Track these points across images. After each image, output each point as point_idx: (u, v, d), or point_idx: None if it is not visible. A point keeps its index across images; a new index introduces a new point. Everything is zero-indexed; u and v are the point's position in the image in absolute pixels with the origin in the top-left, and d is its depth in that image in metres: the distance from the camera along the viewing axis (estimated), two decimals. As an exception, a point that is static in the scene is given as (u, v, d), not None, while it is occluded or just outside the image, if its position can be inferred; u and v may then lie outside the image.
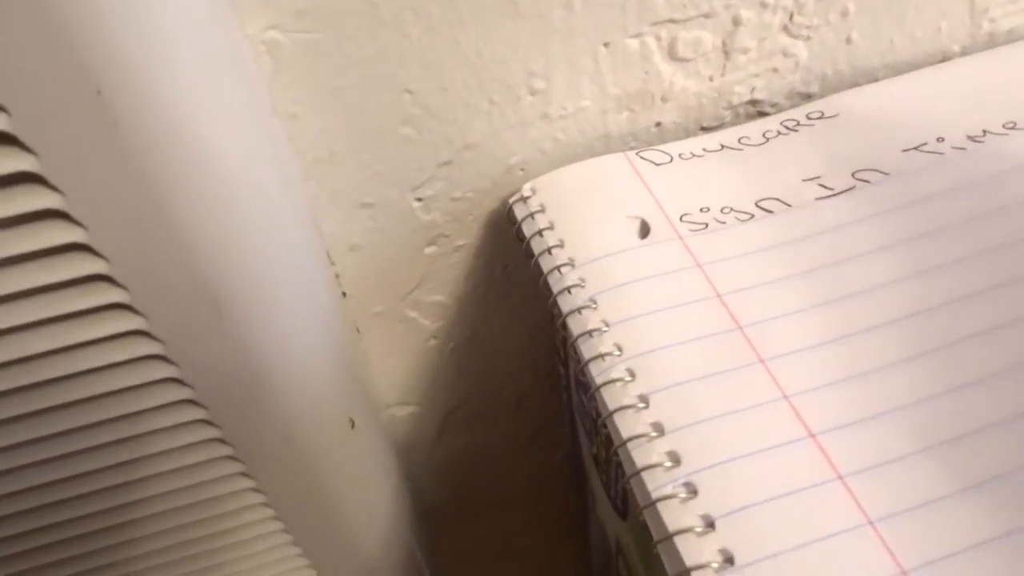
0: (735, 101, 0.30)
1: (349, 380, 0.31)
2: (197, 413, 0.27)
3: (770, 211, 0.27)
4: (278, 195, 0.25)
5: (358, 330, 0.33)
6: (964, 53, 0.31)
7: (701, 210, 0.27)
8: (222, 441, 0.28)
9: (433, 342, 0.35)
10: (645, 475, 0.21)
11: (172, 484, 0.29)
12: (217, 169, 0.22)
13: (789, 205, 0.27)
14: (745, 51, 0.28)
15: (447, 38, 0.25)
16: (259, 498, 0.31)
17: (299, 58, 0.24)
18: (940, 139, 0.28)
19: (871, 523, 0.20)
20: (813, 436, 0.22)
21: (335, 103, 0.26)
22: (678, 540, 0.20)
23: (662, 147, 0.29)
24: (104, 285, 0.22)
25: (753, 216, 0.27)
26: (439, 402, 0.38)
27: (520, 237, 0.28)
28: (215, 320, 0.25)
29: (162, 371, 0.25)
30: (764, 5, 0.27)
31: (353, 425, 0.31)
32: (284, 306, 0.27)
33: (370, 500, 0.35)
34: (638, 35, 0.27)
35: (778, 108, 0.31)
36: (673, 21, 0.27)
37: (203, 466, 0.29)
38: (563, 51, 0.27)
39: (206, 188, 0.22)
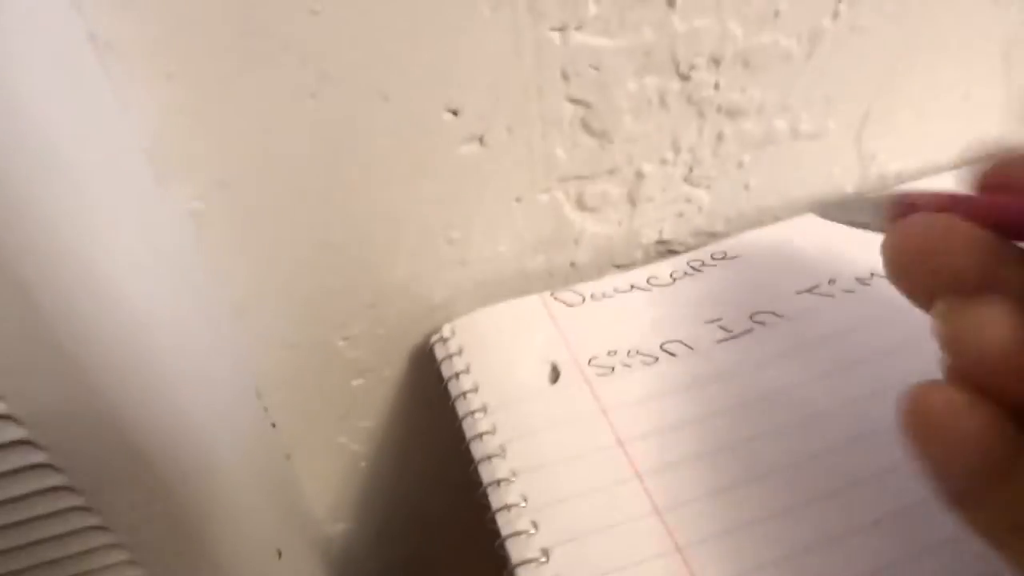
0: (644, 241, 0.32)
1: (277, 510, 0.32)
2: (118, 555, 0.27)
3: (673, 354, 0.29)
4: (200, 338, 0.26)
5: (288, 457, 0.34)
6: (858, 192, 0.34)
7: (608, 353, 0.29)
8: (133, 563, 0.28)
9: (363, 464, 0.36)
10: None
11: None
12: (137, 311, 0.23)
13: (691, 348, 0.29)
14: (650, 199, 0.30)
15: (364, 197, 0.27)
16: (185, 631, 0.31)
17: (223, 221, 0.26)
18: (832, 281, 0.30)
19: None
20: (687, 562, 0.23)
21: (259, 258, 0.27)
22: None
23: (576, 288, 0.31)
24: (28, 448, 0.23)
25: (658, 359, 0.29)
26: (372, 517, 0.39)
27: (440, 379, 0.29)
28: (125, 452, 0.25)
29: (69, 501, 0.26)
30: (664, 161, 0.29)
31: (280, 555, 0.32)
32: (205, 442, 0.27)
33: (301, 622, 0.35)
34: (547, 190, 0.29)
35: (686, 246, 0.33)
36: (579, 177, 0.29)
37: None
38: (478, 206, 0.28)
39: (122, 343, 0.23)
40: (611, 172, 0.29)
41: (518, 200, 0.29)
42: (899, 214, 0.18)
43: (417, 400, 0.34)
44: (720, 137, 0.29)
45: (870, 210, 0.20)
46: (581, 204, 0.30)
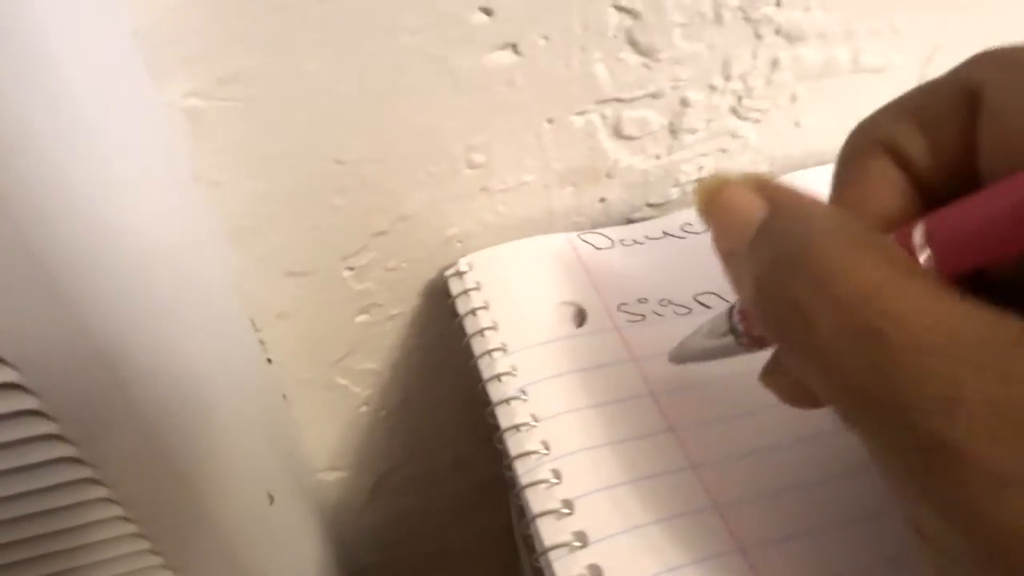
0: (683, 179, 0.29)
1: (269, 452, 0.30)
2: (99, 491, 0.25)
3: (708, 306, 0.26)
4: (191, 261, 0.24)
5: (285, 397, 0.31)
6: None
7: (639, 301, 0.26)
8: (125, 519, 0.26)
9: (364, 409, 0.33)
10: (567, 592, 0.20)
11: (73, 562, 0.27)
12: (119, 232, 0.20)
13: (727, 300, 0.26)
14: (693, 131, 0.28)
15: (382, 108, 0.24)
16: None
17: (223, 124, 0.23)
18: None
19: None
20: (744, 551, 0.21)
21: (261, 171, 0.24)
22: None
23: (604, 231, 0.28)
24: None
25: (691, 311, 0.26)
26: (370, 467, 0.36)
27: (454, 314, 0.27)
28: (120, 392, 0.23)
29: (60, 451, 0.23)
30: (713, 88, 0.27)
31: (272, 500, 0.29)
32: (197, 375, 0.25)
33: (290, 572, 0.33)
34: (583, 112, 0.26)
35: (726, 187, 0.30)
36: (619, 100, 0.26)
37: (106, 544, 0.27)
38: (505, 126, 0.26)
39: (108, 257, 0.21)
40: (654, 96, 0.26)
41: (550, 121, 0.26)
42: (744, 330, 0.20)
43: (426, 343, 0.32)
44: (775, 64, 0.27)
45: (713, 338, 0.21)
46: (618, 131, 0.27)
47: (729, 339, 0.21)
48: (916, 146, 0.17)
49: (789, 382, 0.19)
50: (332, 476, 0.36)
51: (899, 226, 0.16)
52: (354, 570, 0.41)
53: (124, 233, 0.21)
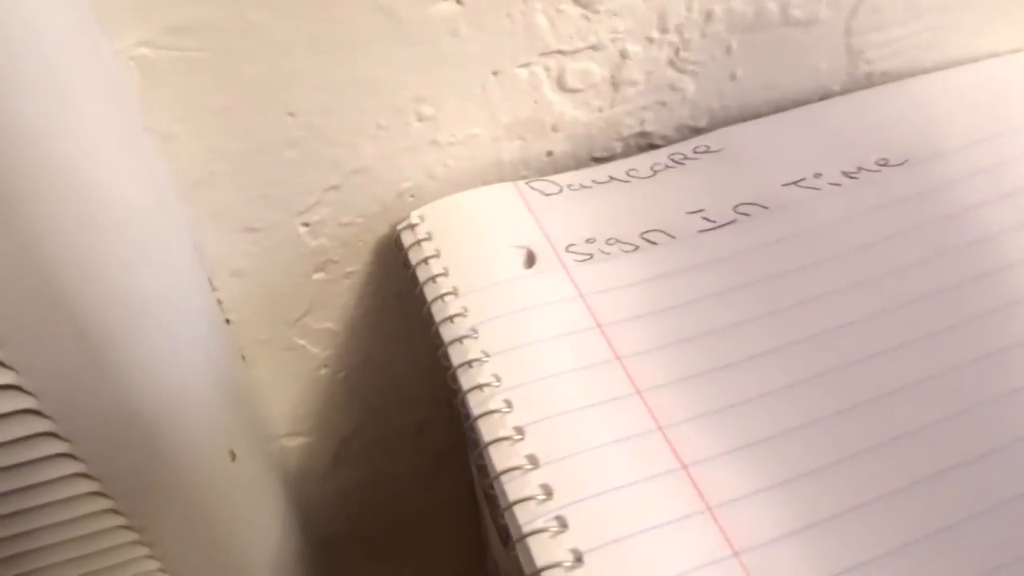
0: (625, 132, 0.30)
1: (230, 411, 0.30)
2: (58, 446, 0.25)
3: (654, 243, 0.27)
4: (147, 216, 0.24)
5: (243, 358, 0.32)
6: (843, 91, 0.33)
7: (587, 241, 0.27)
8: (86, 476, 0.26)
9: (324, 370, 0.34)
10: (517, 508, 0.21)
11: (34, 522, 0.27)
12: (73, 186, 0.21)
13: (673, 237, 0.28)
14: (633, 84, 0.29)
15: (333, 60, 0.25)
16: (131, 536, 0.29)
17: (173, 75, 0.23)
18: (817, 175, 0.29)
19: (736, 554, 0.20)
20: (685, 467, 0.22)
21: (214, 123, 0.25)
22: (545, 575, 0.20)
23: (552, 178, 0.29)
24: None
25: (638, 247, 0.27)
26: (332, 431, 0.37)
27: (407, 265, 0.28)
28: (77, 346, 0.23)
29: (17, 402, 0.24)
30: (650, 40, 0.28)
31: (234, 457, 0.30)
32: (155, 332, 0.25)
33: (254, 534, 0.33)
34: (527, 64, 0.27)
35: (667, 140, 0.31)
36: (561, 52, 0.27)
37: (69, 503, 0.27)
38: (452, 78, 0.26)
39: (62, 206, 0.21)
40: (595, 48, 0.27)
41: (495, 74, 0.27)
42: None
43: (383, 303, 0.32)
44: (709, 16, 0.28)
45: None
46: (562, 83, 0.28)
47: None
48: None
49: None
50: (295, 442, 0.37)
51: None
52: (319, 537, 0.42)
53: (90, 188, 0.22)
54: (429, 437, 0.40)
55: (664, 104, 0.30)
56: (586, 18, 0.26)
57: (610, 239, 0.27)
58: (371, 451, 0.39)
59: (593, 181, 0.29)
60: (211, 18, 0.23)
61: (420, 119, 0.27)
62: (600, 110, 0.29)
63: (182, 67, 0.23)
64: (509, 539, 0.28)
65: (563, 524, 0.20)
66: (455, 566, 0.50)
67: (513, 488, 0.21)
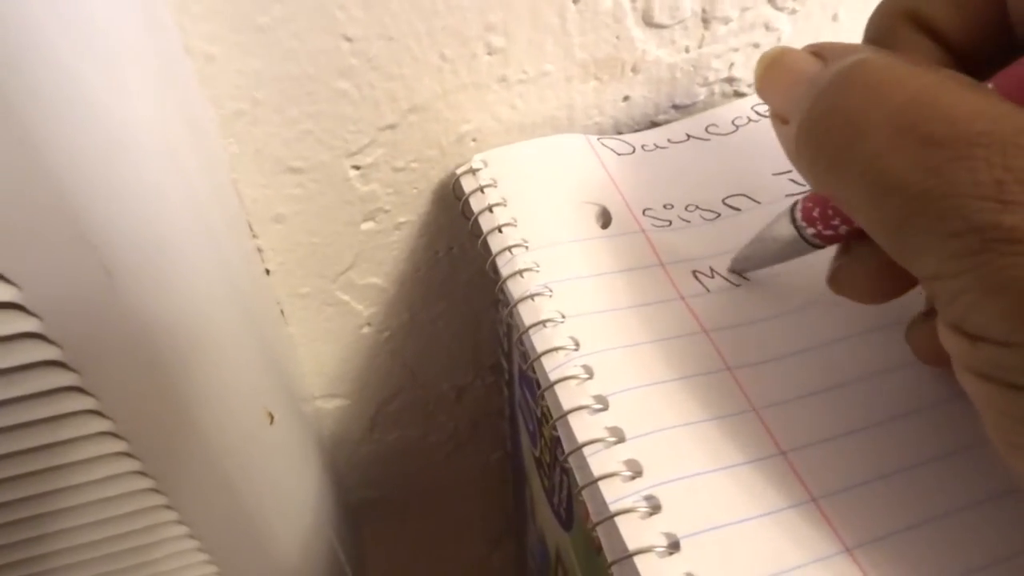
0: (711, 77, 0.27)
1: (268, 369, 0.28)
2: (84, 402, 0.23)
3: (738, 209, 0.24)
4: (183, 149, 0.22)
5: (282, 312, 0.29)
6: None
7: (665, 206, 0.24)
8: (115, 435, 0.24)
9: (367, 329, 0.31)
10: (602, 485, 0.18)
11: (59, 482, 0.25)
12: (98, 113, 0.18)
13: (758, 202, 0.25)
14: (726, 21, 0.26)
15: (394, -23, 0.22)
16: (160, 499, 0.27)
17: (214, -7, 0.21)
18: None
19: (848, 550, 0.18)
20: (784, 454, 0.19)
21: (259, 44, 0.22)
22: (639, 561, 0.17)
23: (624, 137, 0.26)
24: None
25: (720, 215, 0.24)
26: (371, 394, 0.35)
27: (466, 214, 0.25)
28: (104, 291, 0.21)
29: (40, 352, 0.21)
30: (750, -30, 0.25)
31: (272, 420, 0.28)
32: (187, 276, 0.23)
33: (288, 499, 0.31)
34: (611, -8, 0.24)
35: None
36: (650, -20, 0.24)
37: (94, 463, 0.25)
38: (527, 3, 0.23)
39: (87, 137, 0.18)
40: (687, -23, 0.24)
41: (576, 1, 0.24)
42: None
43: (434, 258, 0.30)
44: (817, -55, 0.25)
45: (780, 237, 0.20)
46: (648, 17, 0.25)
47: (792, 235, 0.20)
48: (943, 13, 0.17)
49: (863, 269, 0.19)
50: (331, 404, 0.34)
51: None
52: (349, 504, 0.40)
53: (125, 126, 0.19)
54: (468, 404, 0.38)
55: (757, 46, 0.27)
56: (682, -60, 0.23)
57: (690, 205, 0.25)
58: (408, 416, 0.37)
59: (669, 141, 0.27)
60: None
61: (489, 51, 0.24)
62: (686, 50, 0.26)
63: (227, -20, 0.20)
64: (571, 517, 0.25)
65: (655, 505, 0.18)
66: (487, 535, 0.48)
67: (596, 462, 0.19)
